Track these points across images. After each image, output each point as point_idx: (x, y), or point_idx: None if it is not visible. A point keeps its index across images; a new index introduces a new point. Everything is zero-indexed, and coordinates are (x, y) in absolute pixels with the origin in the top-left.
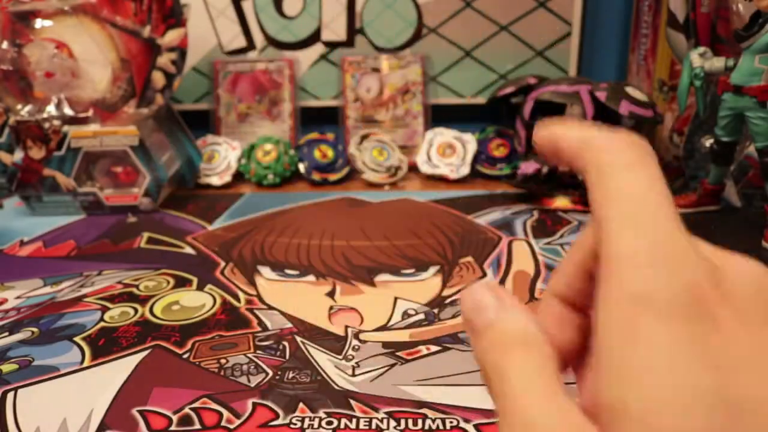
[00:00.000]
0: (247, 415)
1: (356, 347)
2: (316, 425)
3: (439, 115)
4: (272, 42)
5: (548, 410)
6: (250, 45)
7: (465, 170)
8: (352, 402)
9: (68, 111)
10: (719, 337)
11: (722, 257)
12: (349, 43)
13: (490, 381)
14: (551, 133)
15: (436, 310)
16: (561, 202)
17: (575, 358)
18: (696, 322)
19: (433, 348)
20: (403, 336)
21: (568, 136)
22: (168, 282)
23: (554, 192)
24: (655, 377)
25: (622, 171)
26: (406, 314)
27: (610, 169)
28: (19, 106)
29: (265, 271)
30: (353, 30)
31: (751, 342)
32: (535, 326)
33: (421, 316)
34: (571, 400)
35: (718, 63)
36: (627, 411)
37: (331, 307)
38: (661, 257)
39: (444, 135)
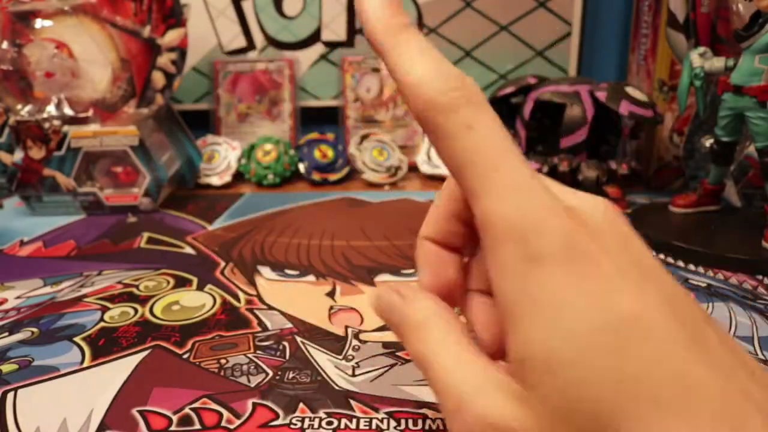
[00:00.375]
0: (247, 415)
1: (356, 347)
2: (316, 425)
3: None
4: (272, 42)
5: (467, 378)
6: (250, 45)
7: None
8: (352, 402)
9: (68, 111)
10: (594, 270)
11: (572, 197)
12: (349, 43)
13: (421, 368)
14: None
15: None
16: None
17: (459, 292)
18: (573, 263)
19: None
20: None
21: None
22: (168, 282)
23: None
24: (549, 323)
25: (462, 131)
26: None
27: (445, 130)
28: (19, 106)
29: (265, 271)
30: (353, 30)
31: (618, 267)
32: (432, 302)
33: None
34: (478, 359)
35: (718, 63)
36: (534, 359)
37: (331, 307)
38: (532, 217)
39: None
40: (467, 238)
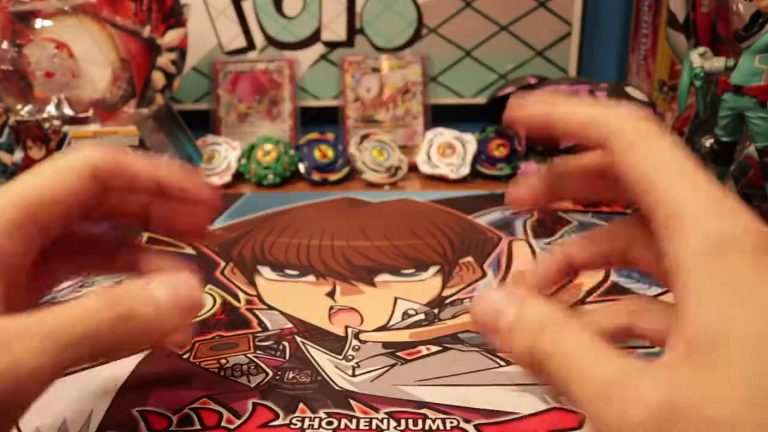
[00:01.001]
0: (247, 415)
1: (356, 347)
2: (316, 425)
3: (439, 115)
4: (272, 42)
5: (612, 367)
6: (250, 45)
7: (465, 170)
8: (353, 402)
9: (68, 111)
10: None
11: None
12: (349, 43)
13: (540, 365)
14: (546, 112)
15: (436, 310)
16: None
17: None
18: (762, 252)
19: (433, 348)
20: (403, 336)
21: (569, 114)
22: None
23: None
24: (744, 301)
25: (653, 138)
26: (406, 314)
27: (639, 138)
28: (19, 106)
29: (265, 271)
30: (353, 30)
31: None
32: (554, 307)
33: (421, 317)
34: (616, 352)
35: (718, 63)
36: (731, 340)
37: (331, 307)
38: (724, 205)
39: (444, 135)
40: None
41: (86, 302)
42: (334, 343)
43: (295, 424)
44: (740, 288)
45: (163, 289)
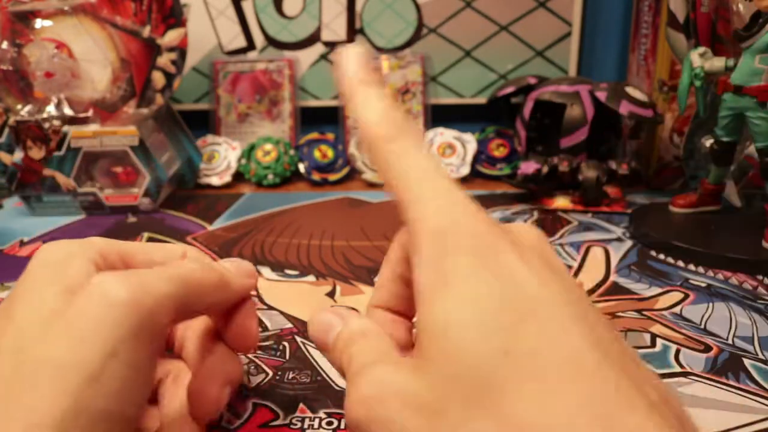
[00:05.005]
0: (247, 415)
1: None
2: (316, 425)
3: (439, 115)
4: (272, 42)
5: (373, 359)
6: (250, 45)
7: (465, 170)
8: None
9: (68, 111)
10: (498, 257)
11: (509, 225)
12: (349, 43)
13: (347, 370)
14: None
15: None
16: (561, 202)
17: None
18: (480, 251)
19: None
20: None
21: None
22: None
23: (554, 192)
24: (450, 297)
25: (396, 154)
26: None
27: (385, 155)
28: (19, 106)
29: (265, 271)
30: (353, 30)
31: (526, 261)
32: (371, 323)
33: None
34: (395, 351)
35: (718, 63)
36: (432, 329)
37: (331, 307)
38: (450, 217)
39: (444, 135)
40: (413, 302)
41: (178, 261)
42: None
43: (295, 424)
44: (451, 284)
45: (228, 263)
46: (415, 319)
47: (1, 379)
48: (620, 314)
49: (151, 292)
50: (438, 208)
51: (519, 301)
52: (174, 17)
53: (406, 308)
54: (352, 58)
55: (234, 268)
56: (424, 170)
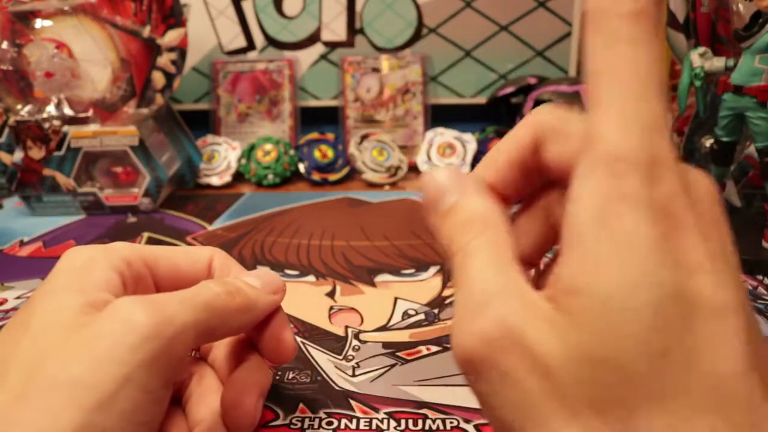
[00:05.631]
0: None
1: (356, 347)
2: (316, 425)
3: (439, 115)
4: (272, 42)
5: (497, 280)
6: (250, 45)
7: (465, 170)
8: (353, 402)
9: (68, 111)
10: (683, 238)
11: (684, 167)
12: (349, 43)
13: (454, 257)
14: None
15: (436, 311)
16: None
17: None
18: (665, 222)
19: (434, 348)
20: (403, 336)
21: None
22: None
23: None
24: (621, 266)
25: (627, 44)
26: (406, 314)
27: (611, 38)
28: (19, 106)
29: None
30: (353, 30)
31: (707, 248)
32: (494, 210)
33: (422, 317)
34: (520, 274)
35: (718, 63)
36: (591, 293)
37: (331, 307)
38: (644, 157)
39: (444, 135)
40: (520, 192)
41: (202, 284)
42: (334, 343)
43: (295, 424)
44: (626, 247)
45: (254, 278)
46: (561, 260)
47: (12, 392)
48: None
49: (172, 320)
50: (636, 138)
51: (691, 301)
52: (174, 17)
53: (511, 194)
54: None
55: (260, 284)
56: (648, 84)
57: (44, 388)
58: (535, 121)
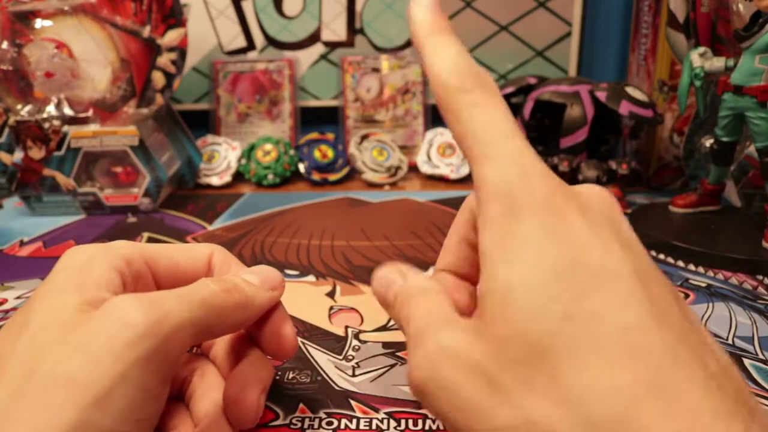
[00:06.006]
0: None
1: (356, 347)
2: (316, 425)
3: (439, 115)
4: (272, 42)
5: (429, 319)
6: (250, 45)
7: (465, 170)
8: (353, 402)
9: (68, 111)
10: (565, 223)
11: (578, 187)
12: (349, 43)
13: (405, 329)
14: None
15: None
16: None
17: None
18: (548, 214)
19: None
20: (403, 336)
21: None
22: None
23: None
24: (516, 260)
25: (470, 107)
26: None
27: (456, 106)
28: (19, 106)
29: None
30: (353, 30)
31: (592, 228)
32: (430, 281)
33: None
34: (451, 310)
35: (718, 63)
36: (494, 292)
37: (331, 307)
38: (519, 177)
39: (444, 135)
40: (478, 267)
41: (199, 282)
42: (334, 343)
43: (295, 424)
44: (517, 248)
45: (252, 275)
46: (479, 284)
47: (9, 389)
48: None
49: (169, 318)
50: (507, 168)
51: (583, 270)
52: (174, 17)
53: (471, 272)
54: (423, 3)
55: (259, 280)
56: (499, 129)
57: (41, 386)
58: (468, 202)
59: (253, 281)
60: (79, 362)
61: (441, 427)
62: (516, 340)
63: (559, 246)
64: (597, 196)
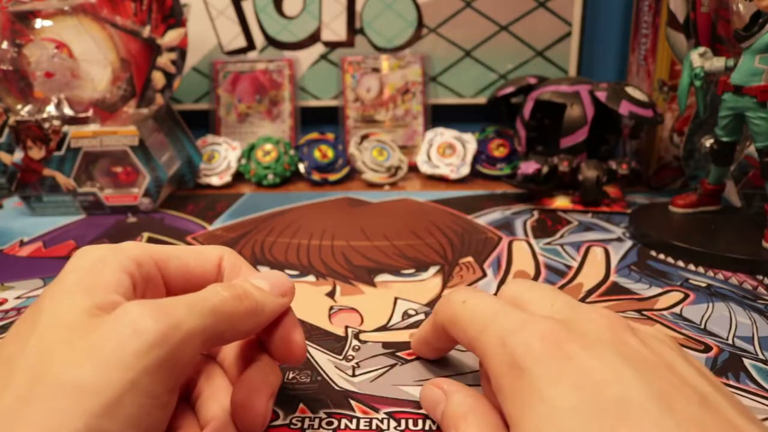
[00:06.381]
0: None
1: (356, 347)
2: (316, 425)
3: (439, 115)
4: (272, 42)
5: None
6: (250, 45)
7: (465, 170)
8: (353, 402)
9: (68, 111)
10: (575, 361)
11: (577, 310)
12: (349, 43)
13: None
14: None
15: None
16: (561, 202)
17: None
18: (555, 356)
19: None
20: (403, 336)
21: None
22: None
23: (554, 192)
24: (543, 409)
25: (460, 304)
26: (406, 314)
27: (451, 311)
28: (19, 106)
29: (265, 271)
30: (353, 30)
31: (600, 358)
32: (471, 398)
33: (422, 317)
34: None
35: (718, 63)
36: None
37: (331, 307)
38: (510, 334)
39: (444, 135)
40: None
41: (209, 288)
42: (334, 343)
43: (295, 424)
44: (532, 407)
45: (263, 280)
46: None
47: (17, 394)
48: (620, 314)
49: (179, 326)
50: (499, 329)
51: (603, 410)
52: (174, 17)
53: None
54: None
55: (269, 286)
56: (488, 312)
57: (49, 391)
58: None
59: (263, 287)
60: (88, 369)
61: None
62: None
63: (574, 385)
64: (593, 323)
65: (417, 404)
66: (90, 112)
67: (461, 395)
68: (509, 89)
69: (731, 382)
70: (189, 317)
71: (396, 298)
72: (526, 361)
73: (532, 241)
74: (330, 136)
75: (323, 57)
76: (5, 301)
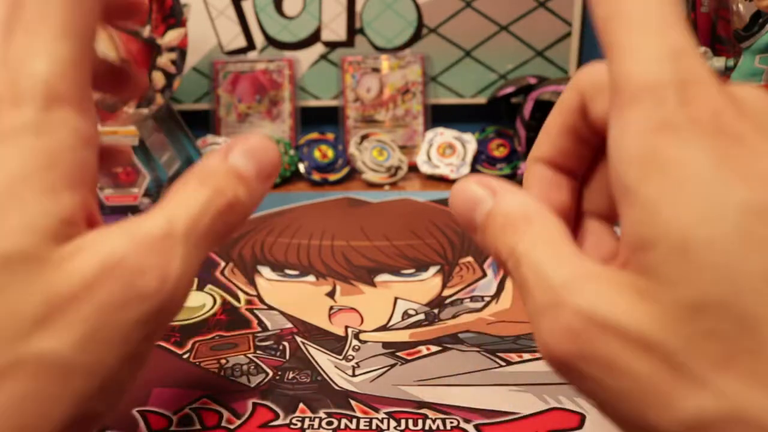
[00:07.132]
0: (247, 415)
1: (356, 347)
2: (316, 425)
3: (439, 115)
4: (272, 42)
5: (560, 273)
6: (250, 45)
7: (465, 170)
8: (353, 402)
9: None
10: (744, 150)
11: (728, 84)
12: (349, 43)
13: (506, 265)
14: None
15: (436, 310)
16: None
17: (571, 219)
18: (720, 138)
19: (433, 348)
20: (403, 336)
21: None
22: None
23: None
24: (686, 202)
25: None
26: (406, 314)
27: None
28: None
29: (265, 271)
30: (353, 30)
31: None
32: (531, 199)
33: (422, 316)
34: (581, 256)
35: (718, 63)
36: (662, 243)
37: (331, 307)
38: (679, 80)
39: (444, 135)
40: (582, 159)
41: (198, 195)
42: (334, 343)
43: (295, 424)
44: (687, 185)
45: (246, 162)
46: (622, 224)
47: None
48: None
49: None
50: (662, 65)
51: (762, 206)
52: (174, 17)
53: (573, 165)
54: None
55: (255, 170)
56: (656, 13)
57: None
58: (577, 81)
59: (247, 172)
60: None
61: (441, 428)
62: (709, 309)
63: (745, 182)
64: (760, 101)
65: (417, 404)
66: None
67: (520, 194)
68: (509, 89)
69: None
70: (182, 258)
71: (396, 298)
72: (684, 125)
73: None
74: (330, 136)
75: (323, 57)
76: None
